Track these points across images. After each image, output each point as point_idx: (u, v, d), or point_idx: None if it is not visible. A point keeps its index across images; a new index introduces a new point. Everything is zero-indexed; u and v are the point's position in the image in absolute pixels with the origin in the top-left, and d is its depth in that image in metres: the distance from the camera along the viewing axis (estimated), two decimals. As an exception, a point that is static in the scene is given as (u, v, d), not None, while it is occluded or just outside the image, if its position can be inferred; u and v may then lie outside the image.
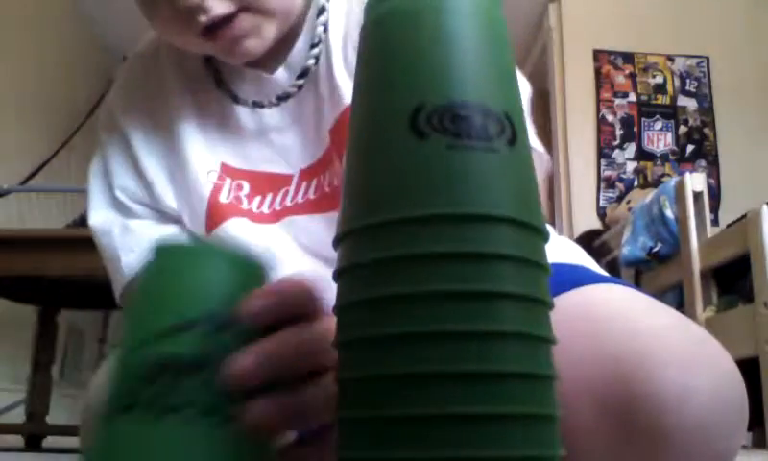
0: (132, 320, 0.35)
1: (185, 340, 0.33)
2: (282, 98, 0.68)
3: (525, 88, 0.66)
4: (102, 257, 0.71)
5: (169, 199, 0.70)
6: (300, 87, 0.67)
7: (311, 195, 0.69)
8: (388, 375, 0.29)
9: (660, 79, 3.31)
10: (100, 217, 0.70)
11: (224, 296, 0.34)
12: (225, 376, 0.33)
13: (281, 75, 0.68)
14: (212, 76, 0.70)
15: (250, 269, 0.37)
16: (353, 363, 0.31)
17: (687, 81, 3.31)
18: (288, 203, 0.69)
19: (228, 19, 0.59)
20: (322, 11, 0.67)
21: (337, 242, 0.34)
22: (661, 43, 3.32)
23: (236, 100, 0.69)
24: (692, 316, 1.97)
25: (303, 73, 0.67)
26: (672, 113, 3.28)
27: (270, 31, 0.63)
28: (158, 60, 0.73)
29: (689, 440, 0.46)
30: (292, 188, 0.69)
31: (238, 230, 0.67)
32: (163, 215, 0.71)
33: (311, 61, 0.67)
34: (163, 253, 0.36)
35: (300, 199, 0.69)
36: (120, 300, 0.70)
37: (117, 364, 0.34)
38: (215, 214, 0.68)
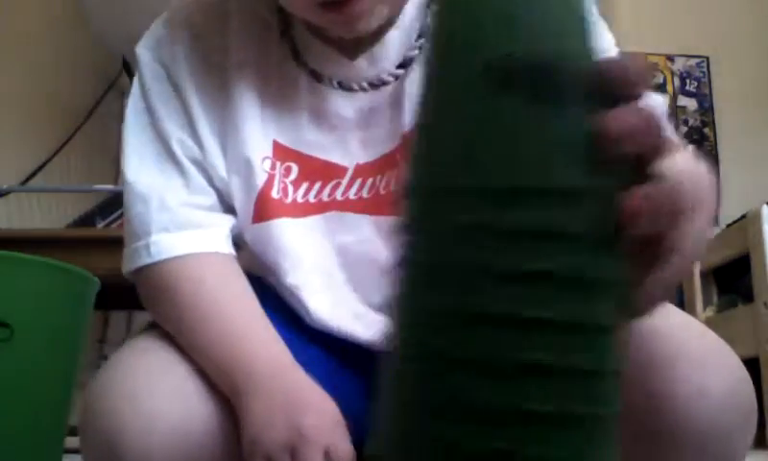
0: None
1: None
2: (375, 85, 0.65)
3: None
4: (126, 214, 0.66)
5: (221, 170, 0.65)
6: (396, 77, 0.65)
7: (364, 194, 0.65)
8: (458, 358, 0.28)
9: (659, 79, 3.31)
10: (145, 178, 0.65)
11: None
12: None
13: (362, 64, 0.65)
14: (288, 48, 0.66)
15: None
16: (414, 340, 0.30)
17: (687, 81, 3.31)
18: (338, 196, 0.66)
19: None
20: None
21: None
22: (661, 43, 3.31)
23: (318, 78, 0.66)
24: (692, 316, 1.97)
25: (406, 63, 0.64)
26: (672, 113, 3.28)
27: (384, 12, 0.60)
28: (226, 15, 0.68)
29: (701, 440, 0.46)
30: (345, 182, 0.65)
31: (279, 232, 0.65)
32: (208, 192, 0.66)
33: (415, 52, 0.64)
34: None
35: (351, 195, 0.65)
36: (129, 275, 0.66)
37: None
38: (263, 209, 0.65)
